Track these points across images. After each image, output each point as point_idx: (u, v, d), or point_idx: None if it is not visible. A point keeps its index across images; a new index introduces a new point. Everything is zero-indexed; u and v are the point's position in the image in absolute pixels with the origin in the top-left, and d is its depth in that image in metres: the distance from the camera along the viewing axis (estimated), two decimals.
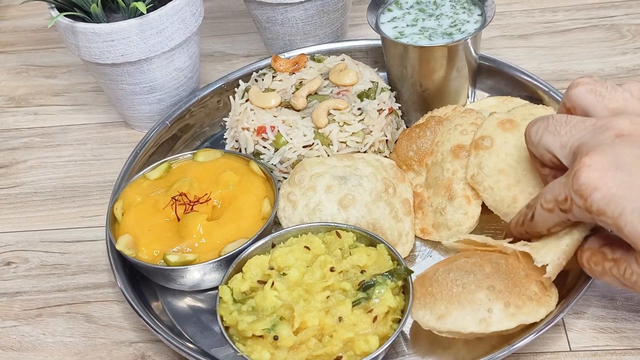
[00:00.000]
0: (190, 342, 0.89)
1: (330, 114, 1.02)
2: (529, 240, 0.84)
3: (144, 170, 1.01)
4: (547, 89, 1.09)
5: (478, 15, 1.08)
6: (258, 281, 0.85)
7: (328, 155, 1.01)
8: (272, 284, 0.82)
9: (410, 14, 1.10)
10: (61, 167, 1.18)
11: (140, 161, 1.08)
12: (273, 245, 0.90)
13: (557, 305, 0.82)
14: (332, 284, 0.83)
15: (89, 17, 1.09)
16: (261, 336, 0.79)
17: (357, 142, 1.02)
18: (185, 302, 0.95)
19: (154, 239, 0.91)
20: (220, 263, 0.89)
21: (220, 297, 0.84)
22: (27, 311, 0.98)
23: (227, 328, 0.82)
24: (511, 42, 1.31)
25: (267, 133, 1.02)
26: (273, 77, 1.10)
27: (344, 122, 1.02)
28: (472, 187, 0.94)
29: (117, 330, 0.94)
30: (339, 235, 0.89)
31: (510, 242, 0.84)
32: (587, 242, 0.80)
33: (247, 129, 1.04)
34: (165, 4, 1.07)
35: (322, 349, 0.78)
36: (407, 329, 0.88)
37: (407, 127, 1.10)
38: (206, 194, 0.95)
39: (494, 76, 1.15)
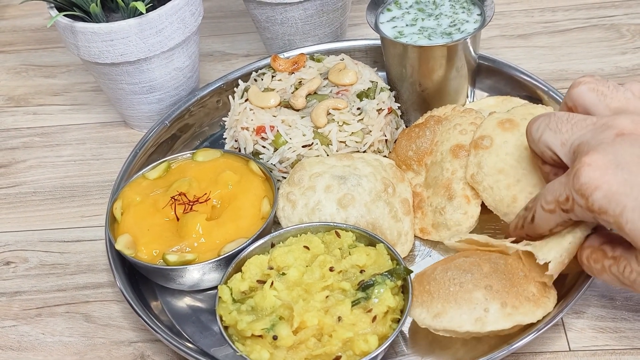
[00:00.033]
0: (190, 342, 0.89)
1: (330, 113, 1.02)
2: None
3: (144, 170, 1.01)
4: (546, 89, 1.09)
5: (477, 15, 1.08)
6: (257, 281, 0.85)
7: (327, 155, 1.01)
8: (272, 283, 0.82)
9: (410, 14, 1.10)
10: (60, 166, 1.18)
11: (140, 161, 1.08)
12: (272, 245, 0.90)
13: (556, 305, 0.82)
14: (332, 284, 0.83)
15: (88, 17, 1.09)
16: (260, 336, 0.79)
17: (356, 142, 1.02)
18: (185, 302, 0.95)
19: (153, 239, 0.91)
20: (219, 263, 0.89)
21: (220, 297, 0.84)
22: (26, 311, 0.98)
23: (226, 328, 0.82)
24: (510, 42, 1.31)
25: (266, 133, 1.02)
26: (272, 76, 1.10)
27: (344, 122, 1.02)
28: (472, 186, 0.94)
29: (117, 329, 0.94)
30: (338, 235, 0.89)
31: (512, 242, 0.84)
32: (587, 239, 0.80)
33: (247, 129, 1.04)
34: (164, 4, 1.07)
35: (322, 349, 0.78)
36: (406, 328, 0.88)
37: (406, 126, 1.10)
38: (205, 194, 0.95)
39: (494, 76, 1.15)
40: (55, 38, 1.46)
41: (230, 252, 0.89)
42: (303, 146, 1.01)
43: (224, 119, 1.12)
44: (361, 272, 0.85)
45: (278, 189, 0.98)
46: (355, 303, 0.81)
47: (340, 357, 0.78)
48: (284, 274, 0.84)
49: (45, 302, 0.98)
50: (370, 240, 0.89)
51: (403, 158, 1.02)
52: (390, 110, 1.06)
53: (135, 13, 1.07)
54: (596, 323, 0.87)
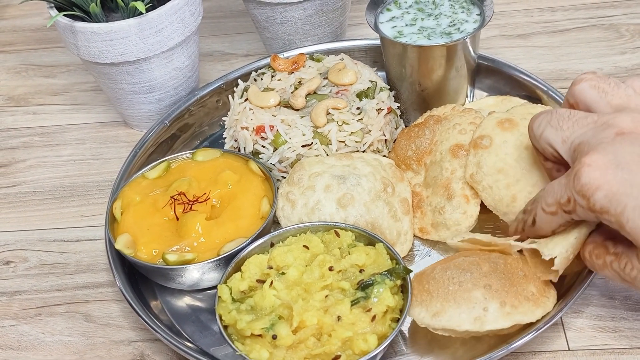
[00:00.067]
0: (189, 341, 0.89)
1: (329, 113, 1.02)
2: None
3: (143, 170, 1.01)
4: (545, 89, 1.09)
5: (477, 14, 1.08)
6: (257, 280, 0.85)
7: (327, 155, 1.01)
8: (271, 283, 0.82)
9: (409, 14, 1.10)
10: (60, 166, 1.19)
11: (140, 160, 1.08)
12: (272, 245, 0.90)
13: (555, 305, 0.82)
14: (331, 283, 0.83)
15: (88, 17, 1.09)
16: (260, 335, 0.79)
17: (356, 142, 1.02)
18: (184, 301, 0.95)
19: (152, 238, 0.91)
20: (219, 262, 0.89)
21: (219, 296, 0.84)
22: (26, 310, 0.98)
23: (225, 327, 0.82)
24: (510, 42, 1.31)
25: (266, 132, 1.02)
26: (272, 76, 1.10)
27: (343, 122, 1.02)
28: (471, 186, 0.94)
29: (116, 329, 0.94)
30: (337, 234, 0.89)
31: (516, 240, 0.83)
32: (590, 235, 0.80)
33: (246, 129, 1.04)
34: (164, 4, 1.07)
35: (321, 348, 0.78)
36: (405, 328, 0.88)
37: (405, 126, 1.10)
38: (205, 193, 0.95)
39: (493, 76, 1.15)
40: (55, 38, 1.47)
41: (230, 252, 0.89)
42: (302, 146, 1.01)
43: (223, 118, 1.12)
44: (360, 271, 0.85)
45: (277, 188, 0.98)
46: (354, 302, 0.81)
47: (340, 356, 0.78)
48: (283, 273, 0.84)
49: (45, 301, 0.98)
50: (369, 239, 0.89)
51: (402, 158, 1.02)
52: (390, 110, 1.06)
53: (135, 13, 1.07)
54: (595, 322, 0.87)
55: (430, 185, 0.98)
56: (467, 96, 1.14)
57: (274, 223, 0.97)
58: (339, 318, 0.79)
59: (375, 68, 1.14)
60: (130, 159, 1.07)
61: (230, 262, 0.88)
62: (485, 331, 0.79)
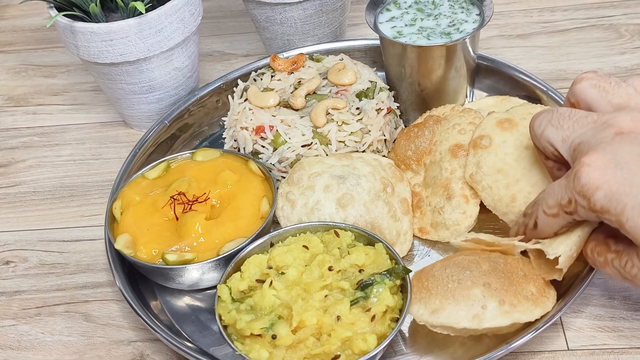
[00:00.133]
0: (189, 341, 0.89)
1: (329, 113, 1.02)
2: None
3: (143, 170, 1.01)
4: (545, 89, 1.09)
5: (476, 15, 1.08)
6: (256, 280, 0.85)
7: (327, 155, 1.01)
8: (271, 283, 0.82)
9: (409, 14, 1.10)
10: (60, 166, 1.19)
11: (139, 160, 1.08)
12: (271, 245, 0.90)
13: (555, 305, 0.82)
14: (331, 283, 0.83)
15: (87, 17, 1.09)
16: (259, 335, 0.79)
17: (355, 142, 1.02)
18: (184, 301, 0.95)
19: (152, 238, 0.91)
20: (218, 262, 0.89)
21: (219, 296, 0.84)
22: (25, 310, 0.98)
23: (225, 327, 0.82)
24: (509, 42, 1.31)
25: (265, 132, 1.02)
26: (272, 76, 1.10)
27: (343, 122, 1.02)
28: (471, 186, 0.94)
29: (116, 329, 0.94)
30: (337, 234, 0.89)
31: (520, 240, 0.83)
32: (592, 233, 0.80)
33: (246, 129, 1.04)
34: (164, 4, 1.07)
35: (320, 348, 0.78)
36: (405, 328, 0.88)
37: (405, 126, 1.10)
38: (205, 193, 0.95)
39: (493, 76, 1.15)
40: (55, 38, 1.47)
41: (230, 252, 0.89)
42: (302, 146, 1.01)
43: (223, 118, 1.12)
44: (360, 271, 0.85)
45: (277, 188, 0.98)
46: (354, 302, 0.81)
47: (339, 356, 0.78)
48: (283, 273, 0.84)
49: (45, 301, 0.98)
50: (369, 239, 0.89)
51: (402, 158, 1.02)
52: (389, 110, 1.06)
53: (135, 13, 1.07)
54: (595, 322, 0.87)
55: (430, 185, 0.98)
56: (466, 96, 1.14)
57: (274, 223, 0.97)
58: (338, 318, 0.79)
59: (375, 68, 1.14)
60: (130, 159, 1.07)
61: (229, 262, 0.88)
62: (483, 329, 0.79)
